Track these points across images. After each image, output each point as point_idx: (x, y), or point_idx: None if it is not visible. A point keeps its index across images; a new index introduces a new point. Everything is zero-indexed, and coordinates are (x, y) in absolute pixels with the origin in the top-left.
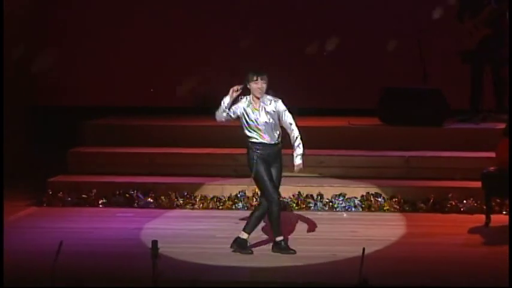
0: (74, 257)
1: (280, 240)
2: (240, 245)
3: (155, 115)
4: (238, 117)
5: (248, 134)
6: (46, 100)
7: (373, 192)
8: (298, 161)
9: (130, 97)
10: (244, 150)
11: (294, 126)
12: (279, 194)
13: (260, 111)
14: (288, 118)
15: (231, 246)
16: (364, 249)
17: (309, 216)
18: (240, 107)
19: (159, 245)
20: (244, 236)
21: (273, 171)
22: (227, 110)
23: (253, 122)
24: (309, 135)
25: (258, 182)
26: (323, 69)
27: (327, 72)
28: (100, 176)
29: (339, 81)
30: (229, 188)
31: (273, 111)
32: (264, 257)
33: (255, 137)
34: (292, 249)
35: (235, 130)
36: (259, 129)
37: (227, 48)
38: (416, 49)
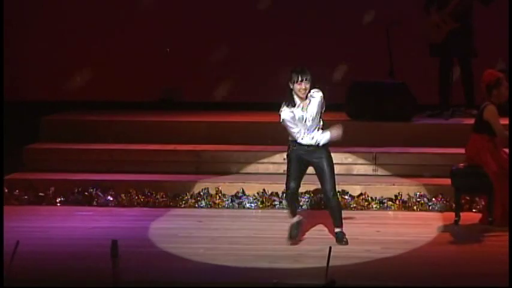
0: (31, 257)
1: (338, 231)
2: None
3: (114, 110)
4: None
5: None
6: None
7: (339, 190)
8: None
9: (88, 91)
10: (206, 147)
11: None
12: (334, 189)
13: (307, 110)
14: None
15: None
16: (330, 248)
17: (273, 215)
18: (289, 112)
19: (119, 244)
20: (337, 229)
21: (317, 165)
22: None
23: (300, 122)
24: (274, 131)
25: None
26: (288, 64)
27: (293, 66)
28: (58, 173)
29: None
30: (192, 185)
31: (318, 103)
32: (228, 257)
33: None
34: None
35: (198, 126)
36: (305, 129)
37: (188, 40)
38: (384, 42)
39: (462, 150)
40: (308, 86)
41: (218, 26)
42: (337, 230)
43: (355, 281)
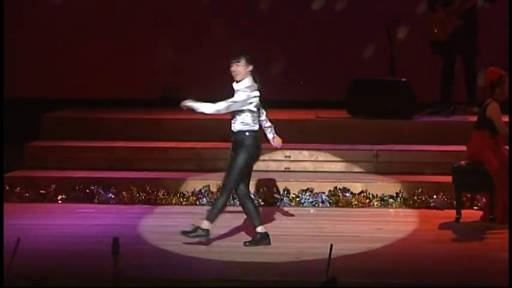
0: (32, 255)
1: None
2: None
3: (115, 108)
4: None
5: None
6: None
7: (341, 187)
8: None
9: (89, 89)
10: (207, 144)
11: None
12: (223, 188)
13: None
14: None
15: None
16: (331, 245)
17: (275, 212)
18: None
19: (120, 242)
20: (259, 229)
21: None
22: None
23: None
24: (275, 128)
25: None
26: (289, 61)
27: (294, 63)
28: (59, 170)
29: (306, 72)
30: (193, 183)
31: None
32: (229, 254)
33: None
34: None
35: (198, 123)
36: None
37: (187, 38)
38: (385, 40)
39: (463, 148)
40: (238, 69)
41: (217, 24)
42: (204, 226)
43: (356, 278)
